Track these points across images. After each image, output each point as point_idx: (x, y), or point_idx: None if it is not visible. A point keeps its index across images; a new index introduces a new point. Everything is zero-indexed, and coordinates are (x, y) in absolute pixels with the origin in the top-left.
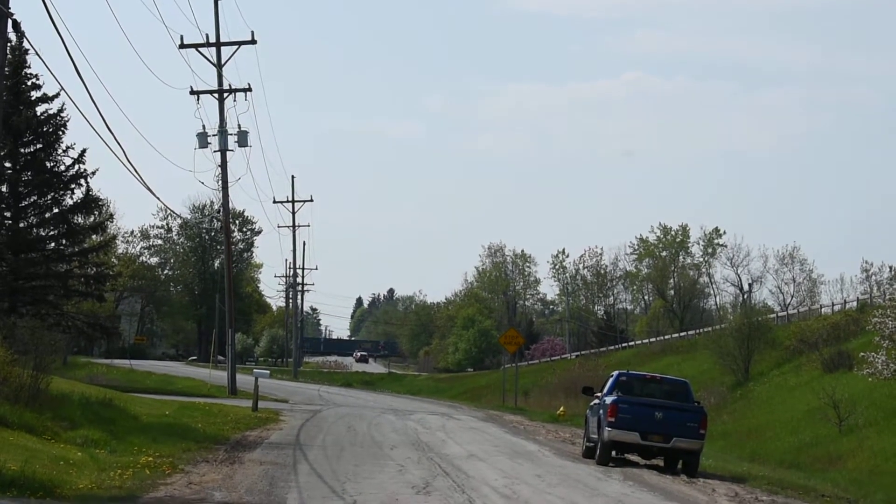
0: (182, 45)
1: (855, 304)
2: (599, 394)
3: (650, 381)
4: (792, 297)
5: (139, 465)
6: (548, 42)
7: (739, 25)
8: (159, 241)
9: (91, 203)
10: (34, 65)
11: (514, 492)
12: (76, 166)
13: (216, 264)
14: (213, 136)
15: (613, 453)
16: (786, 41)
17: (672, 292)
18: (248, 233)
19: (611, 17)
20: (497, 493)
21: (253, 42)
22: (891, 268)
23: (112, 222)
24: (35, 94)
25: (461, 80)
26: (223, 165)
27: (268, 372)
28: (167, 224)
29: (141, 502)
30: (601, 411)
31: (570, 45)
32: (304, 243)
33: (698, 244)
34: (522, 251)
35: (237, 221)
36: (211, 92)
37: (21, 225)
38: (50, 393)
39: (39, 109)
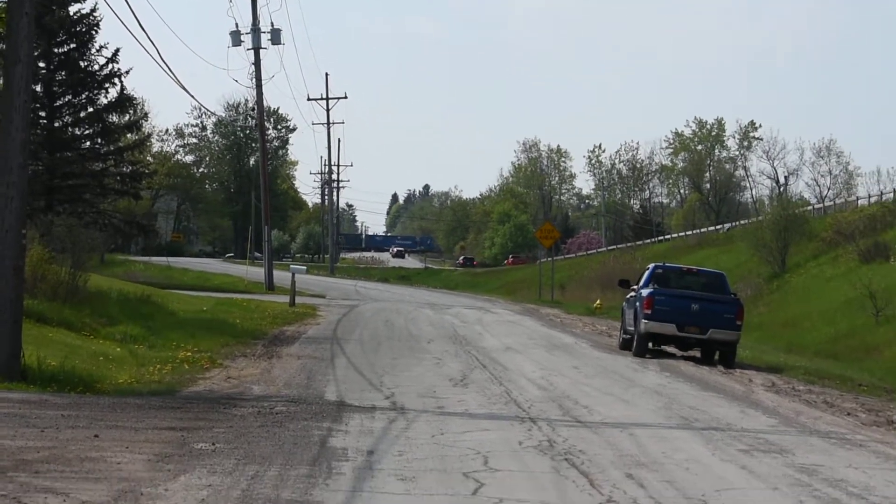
0: None
1: (892, 195)
2: (636, 286)
3: (686, 273)
4: (828, 189)
5: (178, 360)
6: None
7: None
8: (194, 140)
9: (125, 102)
10: None
11: (551, 383)
12: (110, 65)
13: (251, 162)
14: (247, 34)
15: (650, 345)
16: None
17: (708, 186)
18: (283, 130)
19: None
20: (534, 384)
21: None
22: None
23: (147, 121)
24: None
25: None
26: (257, 63)
27: (304, 268)
28: (202, 122)
29: (180, 396)
30: (638, 304)
31: None
32: (339, 140)
33: (734, 138)
34: (558, 146)
35: (271, 119)
36: None
37: (56, 124)
38: (88, 290)
39: (72, 9)
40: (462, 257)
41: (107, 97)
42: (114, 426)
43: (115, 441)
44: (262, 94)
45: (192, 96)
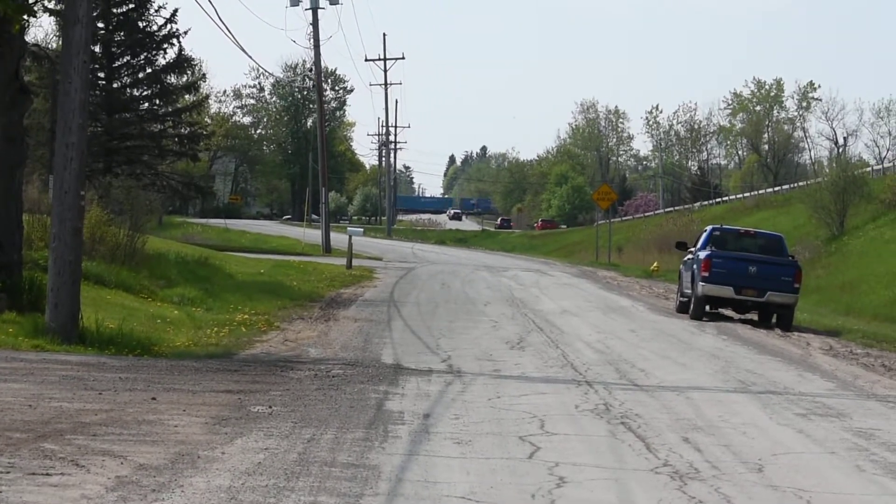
0: None
1: None
2: (693, 249)
3: (744, 235)
4: (888, 150)
5: (235, 322)
6: None
7: None
8: (252, 101)
9: (184, 63)
10: None
11: (608, 346)
12: (168, 26)
13: (309, 123)
14: None
15: (707, 308)
16: None
17: (766, 147)
18: (341, 91)
19: None
20: (590, 347)
21: None
22: None
23: (205, 82)
24: None
25: None
26: (315, 24)
27: (361, 230)
28: (259, 83)
29: (238, 359)
30: (695, 266)
31: None
32: (397, 101)
33: (793, 98)
34: (616, 107)
35: (329, 80)
36: None
37: (115, 85)
38: (146, 252)
39: None
40: (500, 219)
41: (165, 58)
42: (171, 389)
43: (173, 404)
44: (319, 54)
45: (250, 57)
